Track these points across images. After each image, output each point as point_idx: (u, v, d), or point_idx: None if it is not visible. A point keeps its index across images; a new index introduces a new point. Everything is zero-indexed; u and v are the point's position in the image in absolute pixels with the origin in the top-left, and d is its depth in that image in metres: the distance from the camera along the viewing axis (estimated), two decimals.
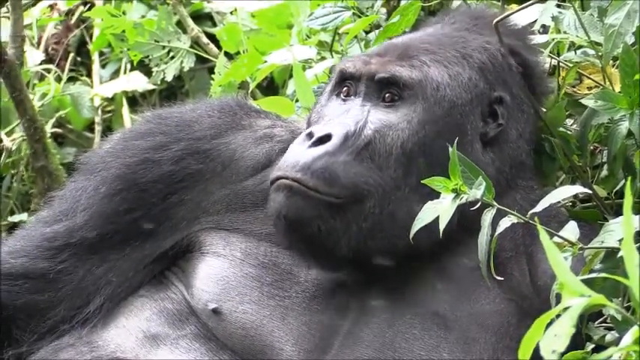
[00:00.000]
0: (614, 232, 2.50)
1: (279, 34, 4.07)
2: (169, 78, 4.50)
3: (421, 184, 2.59)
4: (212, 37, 4.48)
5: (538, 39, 2.99)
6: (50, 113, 4.61)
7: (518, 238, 2.76)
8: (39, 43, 4.87)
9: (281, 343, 2.69)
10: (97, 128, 4.65)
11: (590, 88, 3.02)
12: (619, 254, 2.43)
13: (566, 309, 1.97)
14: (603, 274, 2.30)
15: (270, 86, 4.33)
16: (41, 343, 2.81)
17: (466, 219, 2.60)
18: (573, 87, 3.05)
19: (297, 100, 3.55)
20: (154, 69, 4.53)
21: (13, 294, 2.83)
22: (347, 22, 3.58)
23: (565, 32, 2.95)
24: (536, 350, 1.97)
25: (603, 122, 2.90)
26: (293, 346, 2.68)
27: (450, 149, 2.51)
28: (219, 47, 4.37)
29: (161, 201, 2.83)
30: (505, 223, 2.50)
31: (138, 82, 4.59)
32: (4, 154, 4.45)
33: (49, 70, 4.73)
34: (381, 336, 2.68)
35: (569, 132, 2.99)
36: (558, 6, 2.98)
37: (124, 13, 4.54)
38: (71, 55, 4.86)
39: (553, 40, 2.98)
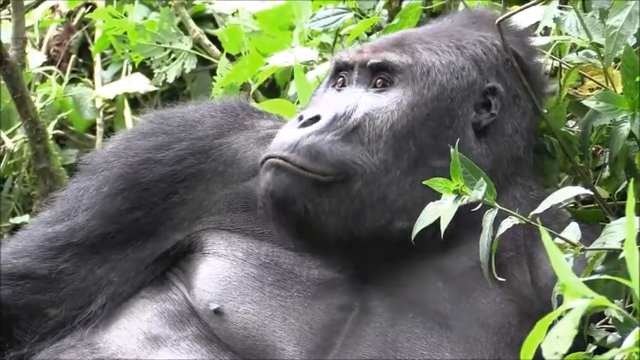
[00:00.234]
0: (616, 233, 2.50)
1: (280, 36, 4.07)
2: (171, 79, 4.50)
3: (413, 167, 2.61)
4: (214, 39, 4.48)
5: (540, 41, 2.99)
6: (52, 115, 4.61)
7: (519, 239, 2.76)
8: (41, 45, 4.87)
9: (283, 343, 2.69)
10: (99, 130, 4.65)
11: (591, 90, 3.02)
12: (621, 255, 2.43)
13: (568, 310, 1.97)
14: (605, 276, 2.30)
15: (272, 88, 4.33)
16: (42, 344, 2.81)
17: (466, 216, 2.60)
18: (575, 88, 3.05)
19: (298, 102, 3.56)
20: (156, 70, 4.52)
21: (15, 294, 2.83)
22: (348, 23, 3.59)
23: (566, 34, 2.95)
24: (538, 351, 1.97)
25: (605, 124, 2.91)
26: (295, 346, 2.69)
27: (439, 134, 2.54)
28: (220, 49, 4.37)
29: (163, 200, 2.84)
30: (507, 224, 2.51)
31: (139, 84, 4.59)
32: (5, 155, 4.44)
33: (50, 72, 4.73)
34: (383, 335, 2.68)
35: (571, 133, 2.99)
36: (560, 8, 2.99)
37: (125, 14, 4.54)
38: (73, 56, 4.86)
39: (555, 41, 2.98)
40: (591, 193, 2.79)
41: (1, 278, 2.83)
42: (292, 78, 3.79)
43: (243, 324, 2.71)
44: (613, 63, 2.91)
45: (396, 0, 3.77)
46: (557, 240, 2.46)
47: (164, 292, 2.81)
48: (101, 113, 4.66)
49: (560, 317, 1.97)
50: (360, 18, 3.54)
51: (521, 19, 2.95)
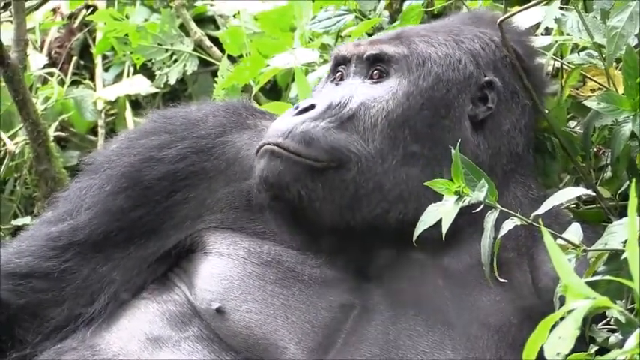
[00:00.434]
0: (618, 233, 2.50)
1: (282, 37, 4.07)
2: (172, 81, 4.50)
3: (408, 156, 2.62)
4: (215, 40, 4.48)
5: (541, 41, 2.99)
6: (53, 117, 4.61)
7: (521, 239, 2.77)
8: (42, 47, 4.87)
9: (285, 342, 2.69)
10: (101, 131, 4.64)
11: (593, 91, 3.02)
12: (623, 256, 2.43)
13: (570, 311, 1.97)
14: (607, 277, 2.30)
15: (274, 89, 4.33)
16: (45, 344, 2.80)
17: (466, 214, 2.60)
18: (576, 89, 3.05)
19: None
20: (157, 72, 4.53)
21: (17, 293, 2.83)
22: (349, 25, 3.59)
23: (568, 34, 2.95)
24: (539, 352, 1.97)
25: (607, 124, 2.91)
26: (297, 345, 2.69)
27: (435, 124, 2.55)
28: (222, 50, 4.37)
29: (165, 199, 2.85)
30: (508, 225, 2.51)
31: (141, 86, 4.59)
32: (7, 157, 4.44)
33: (52, 74, 4.72)
34: (385, 333, 2.68)
35: (573, 133, 2.99)
36: (561, 8, 2.99)
37: (127, 16, 4.54)
38: (74, 58, 4.86)
39: (556, 42, 2.98)
40: (593, 193, 2.79)
41: (3, 278, 2.83)
42: (293, 80, 3.79)
43: (245, 323, 2.71)
44: (614, 63, 2.92)
45: (397, 1, 3.77)
46: (559, 241, 2.46)
47: (166, 292, 2.82)
48: (103, 115, 4.66)
49: (562, 318, 1.97)
50: (361, 19, 3.54)
51: (523, 19, 2.96)
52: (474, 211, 2.53)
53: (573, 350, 2.01)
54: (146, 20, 4.59)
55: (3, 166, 4.45)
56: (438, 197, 2.56)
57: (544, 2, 2.95)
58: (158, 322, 2.77)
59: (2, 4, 4.41)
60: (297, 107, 2.75)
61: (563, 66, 3.03)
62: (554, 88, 3.04)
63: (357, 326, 2.71)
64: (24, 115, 4.12)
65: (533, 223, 2.49)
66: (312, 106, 2.73)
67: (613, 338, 2.57)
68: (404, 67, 2.78)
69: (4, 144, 4.46)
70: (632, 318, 2.23)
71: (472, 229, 2.68)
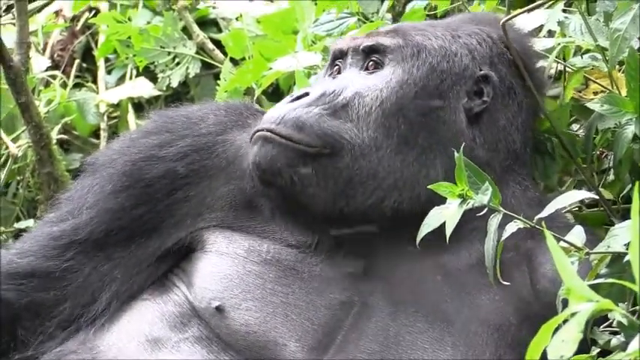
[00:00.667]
0: (620, 236, 2.50)
1: (284, 40, 4.07)
2: (175, 84, 4.51)
3: (403, 145, 2.63)
4: (217, 43, 4.48)
5: (544, 43, 2.99)
6: (56, 119, 4.61)
7: (519, 239, 2.76)
8: (44, 50, 4.87)
9: (284, 340, 2.70)
10: (103, 134, 4.65)
11: (596, 93, 3.02)
12: (625, 259, 2.43)
13: (573, 314, 1.97)
14: (610, 279, 2.30)
15: (276, 92, 4.33)
16: (46, 346, 2.81)
17: (466, 212, 2.59)
18: (579, 92, 3.05)
19: None
20: (160, 75, 4.53)
21: (19, 293, 2.84)
22: (352, 27, 3.59)
23: (570, 37, 2.95)
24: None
25: (610, 127, 2.91)
26: (297, 342, 2.69)
27: (429, 113, 2.56)
28: (224, 53, 4.37)
29: (166, 197, 2.85)
30: (511, 227, 2.51)
31: (143, 88, 4.59)
32: (10, 160, 4.45)
33: (54, 77, 4.73)
34: (385, 330, 2.69)
35: (576, 136, 2.99)
36: (564, 11, 2.99)
37: (129, 19, 4.55)
38: (77, 61, 4.86)
39: (559, 44, 2.98)
40: (596, 196, 2.79)
41: (4, 278, 2.84)
42: (295, 83, 3.80)
43: (245, 321, 2.71)
44: (617, 66, 2.92)
45: (399, 4, 3.77)
46: (562, 244, 2.46)
47: (165, 293, 2.82)
48: (105, 118, 4.66)
49: (565, 321, 1.97)
50: (364, 22, 3.54)
51: (526, 22, 2.96)
52: (478, 214, 2.53)
53: (575, 352, 2.01)
54: (149, 23, 4.60)
55: (5, 169, 4.45)
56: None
57: (547, 5, 2.95)
58: (158, 323, 2.77)
59: (5, 6, 4.42)
60: (292, 96, 2.77)
61: (566, 68, 3.03)
62: (557, 91, 3.04)
63: (357, 323, 2.71)
64: (26, 118, 4.12)
65: (537, 226, 2.50)
66: (306, 94, 2.75)
67: (615, 341, 2.57)
68: (399, 56, 2.79)
69: (7, 147, 4.46)
70: (634, 321, 2.23)
71: (471, 226, 2.68)
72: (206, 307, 2.75)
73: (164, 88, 4.55)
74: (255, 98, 3.89)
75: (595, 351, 2.53)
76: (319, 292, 2.75)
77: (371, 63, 2.82)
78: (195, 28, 4.50)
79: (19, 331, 2.83)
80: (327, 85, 2.79)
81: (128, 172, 2.87)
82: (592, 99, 2.93)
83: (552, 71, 3.10)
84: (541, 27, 3.02)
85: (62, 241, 2.86)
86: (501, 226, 2.53)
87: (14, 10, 4.20)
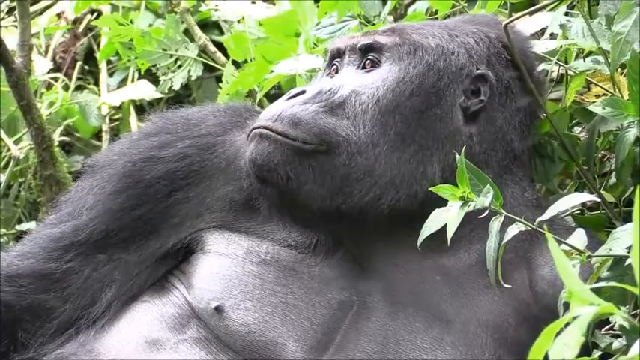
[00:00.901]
0: (622, 239, 2.50)
1: (286, 43, 4.07)
2: (177, 86, 4.51)
3: (399, 142, 2.63)
4: (219, 46, 4.48)
5: (546, 45, 3.00)
6: (58, 122, 4.62)
7: (519, 241, 2.76)
8: (46, 52, 4.88)
9: (284, 339, 2.70)
10: (105, 136, 4.65)
11: (598, 96, 3.02)
12: (627, 262, 2.43)
13: (574, 317, 1.97)
14: (612, 283, 2.30)
15: (278, 95, 4.32)
16: (47, 348, 2.81)
17: (466, 213, 2.59)
18: (581, 94, 3.05)
19: None
20: (162, 77, 4.53)
21: (20, 294, 2.84)
22: (354, 30, 3.58)
23: (573, 40, 2.95)
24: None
25: (611, 130, 2.91)
26: (296, 342, 2.69)
27: (425, 110, 2.57)
28: (226, 56, 4.37)
29: (166, 197, 2.85)
30: (513, 230, 2.51)
31: (145, 91, 4.59)
32: (12, 162, 4.45)
33: (56, 79, 4.74)
34: (384, 329, 2.69)
35: (578, 139, 2.99)
36: (566, 14, 2.99)
37: (131, 21, 4.55)
38: (79, 63, 4.87)
39: (561, 47, 2.98)
40: (598, 199, 2.79)
41: (5, 280, 2.84)
42: (297, 86, 3.80)
43: (244, 321, 2.72)
44: (619, 69, 2.92)
45: (401, 7, 3.77)
46: (563, 246, 2.46)
47: (165, 295, 2.82)
48: (107, 120, 4.67)
49: (566, 324, 1.97)
50: (366, 25, 3.54)
51: (529, 25, 2.96)
52: (479, 217, 2.53)
53: (577, 355, 2.00)
54: (150, 25, 4.60)
55: (8, 171, 4.46)
56: (430, 184, 2.59)
57: (549, 8, 2.95)
58: (156, 324, 2.77)
59: (7, 8, 4.42)
60: (289, 94, 2.78)
61: (568, 71, 3.03)
62: (559, 94, 3.04)
63: (356, 323, 2.71)
64: (28, 120, 4.13)
65: (538, 229, 2.49)
66: (302, 92, 2.76)
67: (617, 344, 2.57)
68: (395, 55, 2.80)
69: (9, 149, 4.46)
70: (636, 324, 2.23)
71: (470, 226, 2.69)
72: (205, 308, 2.75)
73: (166, 91, 4.55)
74: (257, 101, 3.89)
75: (596, 354, 2.53)
76: (318, 292, 2.75)
77: (368, 61, 2.82)
78: (197, 30, 4.51)
79: (20, 333, 2.83)
80: (324, 83, 2.80)
81: (128, 173, 2.88)
82: (594, 102, 2.93)
83: (554, 74, 3.09)
84: (543, 30, 3.02)
85: (62, 242, 2.86)
86: (501, 228, 2.53)
87: (16, 12, 4.21)
